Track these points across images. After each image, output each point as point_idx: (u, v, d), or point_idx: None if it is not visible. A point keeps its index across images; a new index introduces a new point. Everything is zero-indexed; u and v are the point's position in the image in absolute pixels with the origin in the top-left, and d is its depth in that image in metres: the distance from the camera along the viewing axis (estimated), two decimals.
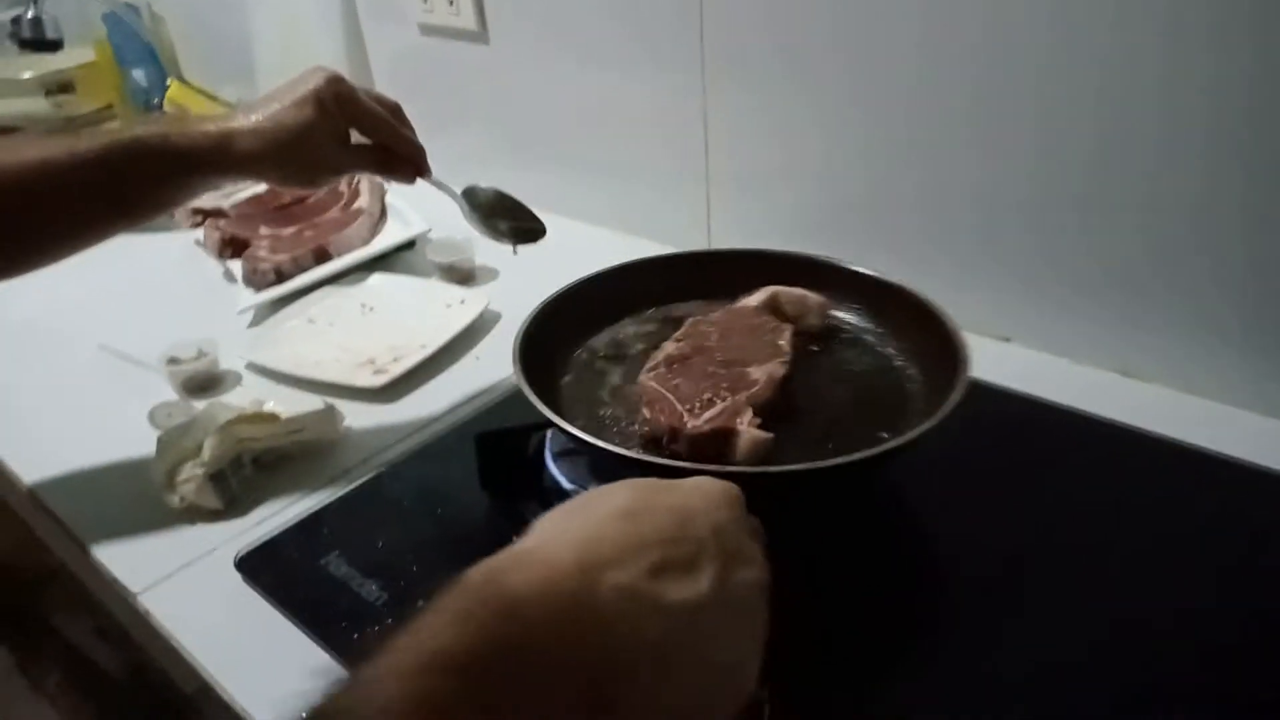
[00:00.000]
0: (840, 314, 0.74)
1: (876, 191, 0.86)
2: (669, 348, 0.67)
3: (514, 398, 0.79)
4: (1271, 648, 0.51)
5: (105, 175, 0.61)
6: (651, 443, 0.60)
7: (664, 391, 0.61)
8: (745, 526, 0.37)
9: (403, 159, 0.71)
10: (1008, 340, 0.83)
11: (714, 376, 0.62)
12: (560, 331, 0.71)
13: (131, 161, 0.62)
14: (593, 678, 0.29)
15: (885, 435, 0.58)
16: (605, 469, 0.62)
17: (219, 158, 0.63)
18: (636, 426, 0.63)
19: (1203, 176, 0.66)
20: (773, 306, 0.72)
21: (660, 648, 0.31)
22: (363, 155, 0.70)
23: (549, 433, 0.68)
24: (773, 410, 0.60)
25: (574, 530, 0.33)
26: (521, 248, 0.77)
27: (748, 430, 0.57)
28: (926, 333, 0.65)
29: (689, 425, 0.57)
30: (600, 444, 0.55)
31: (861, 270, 0.73)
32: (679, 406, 0.59)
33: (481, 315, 0.92)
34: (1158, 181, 0.68)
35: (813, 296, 0.71)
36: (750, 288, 0.73)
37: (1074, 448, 0.68)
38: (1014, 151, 0.75)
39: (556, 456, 0.67)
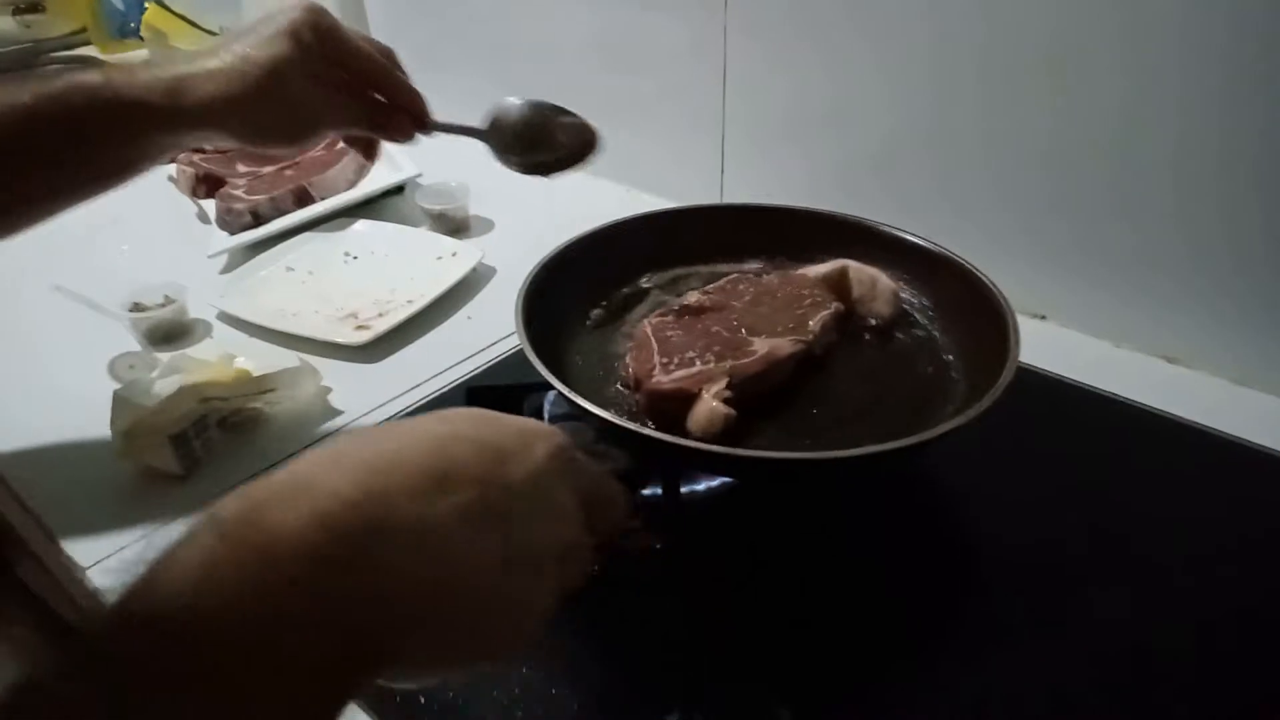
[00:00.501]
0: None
1: (897, 153, 0.82)
2: (692, 297, 0.66)
3: (509, 361, 0.76)
4: None
5: (30, 133, 0.51)
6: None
7: (652, 338, 0.60)
8: (570, 481, 0.33)
9: (399, 110, 0.62)
10: (1043, 318, 0.79)
11: (714, 337, 0.60)
12: (570, 288, 0.67)
13: (66, 115, 0.52)
14: (363, 632, 0.25)
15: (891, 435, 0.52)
16: (610, 439, 0.57)
17: (172, 108, 0.54)
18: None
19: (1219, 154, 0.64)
20: (835, 281, 0.67)
21: (445, 598, 0.27)
22: (350, 107, 0.61)
23: (549, 395, 0.64)
24: (768, 390, 0.58)
25: (366, 454, 0.28)
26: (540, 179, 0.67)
27: (707, 399, 0.54)
28: (976, 318, 0.61)
29: (653, 379, 0.56)
30: (595, 410, 0.51)
31: (915, 239, 0.68)
32: (656, 357, 0.58)
33: (475, 270, 0.88)
34: (1182, 144, 0.66)
35: (885, 281, 0.67)
36: (783, 251, 0.71)
37: (1113, 436, 0.66)
38: (1034, 112, 0.72)
39: (555, 420, 0.63)
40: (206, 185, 1.01)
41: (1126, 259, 0.73)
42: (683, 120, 0.97)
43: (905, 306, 0.68)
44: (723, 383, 0.55)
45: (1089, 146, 0.71)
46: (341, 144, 1.05)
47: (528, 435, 0.33)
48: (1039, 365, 0.71)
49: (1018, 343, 0.55)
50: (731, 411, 0.54)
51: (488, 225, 0.99)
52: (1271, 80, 0.61)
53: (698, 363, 0.57)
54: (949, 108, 0.77)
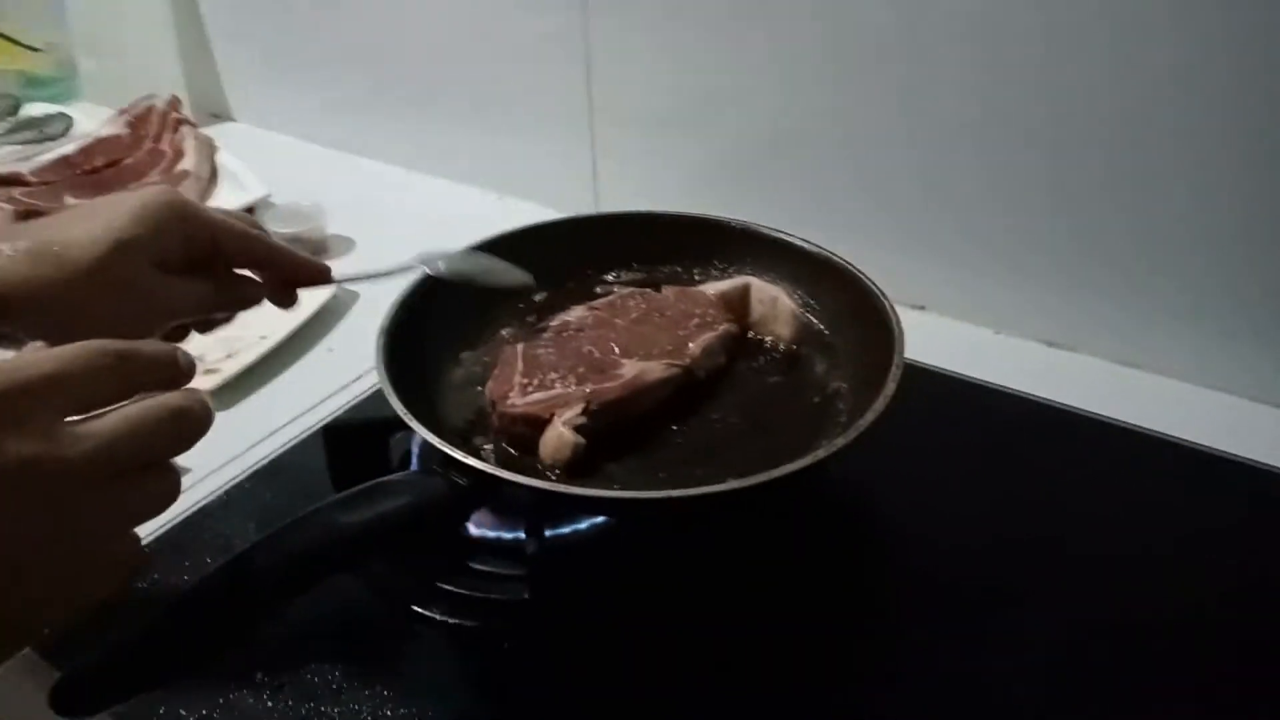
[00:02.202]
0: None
1: (784, 145, 0.80)
2: (577, 312, 0.63)
3: (378, 396, 0.71)
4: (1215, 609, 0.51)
5: None
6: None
7: (519, 357, 0.58)
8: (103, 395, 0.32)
9: (288, 285, 0.55)
10: (922, 309, 0.79)
11: (583, 358, 0.58)
12: (440, 314, 0.63)
13: None
14: None
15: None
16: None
17: None
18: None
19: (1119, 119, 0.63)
20: (734, 300, 0.64)
21: None
22: (212, 293, 0.51)
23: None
24: (637, 416, 0.56)
25: None
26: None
27: (556, 425, 0.52)
28: (864, 326, 0.59)
29: (507, 402, 0.55)
30: (459, 456, 0.47)
31: (795, 241, 0.66)
32: (516, 378, 0.57)
33: (335, 296, 0.83)
34: (1065, 127, 0.65)
35: (785, 301, 0.64)
36: (671, 259, 0.70)
37: (1007, 430, 0.65)
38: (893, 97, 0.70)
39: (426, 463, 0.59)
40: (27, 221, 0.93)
41: (1003, 243, 0.72)
42: (548, 116, 0.92)
43: (806, 324, 0.65)
44: (578, 408, 0.53)
45: (956, 129, 0.70)
46: (181, 167, 0.97)
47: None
48: (922, 359, 0.69)
49: (901, 353, 0.53)
50: (579, 440, 0.52)
51: (348, 245, 0.93)
52: (1149, 40, 0.60)
53: (557, 385, 0.55)
54: (845, 91, 0.74)
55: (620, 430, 0.55)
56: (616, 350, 0.58)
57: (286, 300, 0.56)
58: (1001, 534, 0.57)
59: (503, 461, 0.54)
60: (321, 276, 0.55)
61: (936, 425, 0.64)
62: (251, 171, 0.99)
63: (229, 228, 0.50)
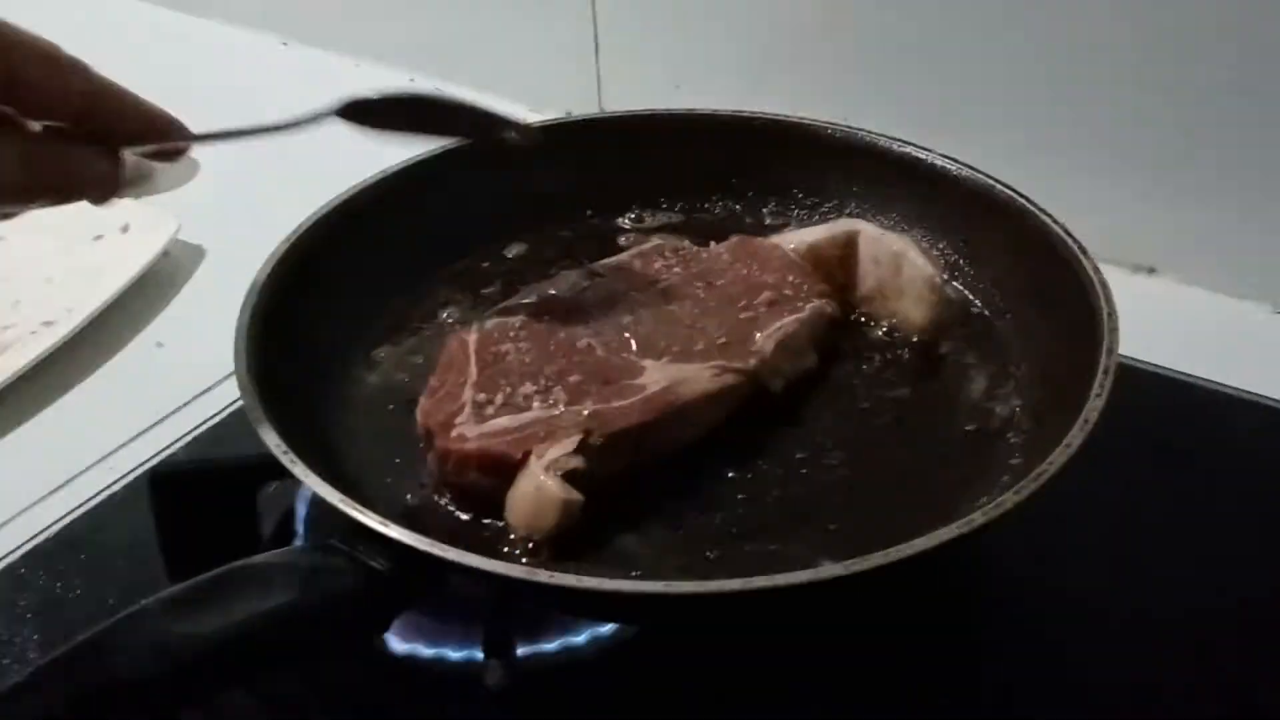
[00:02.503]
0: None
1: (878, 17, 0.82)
2: (569, 280, 0.65)
3: (234, 421, 0.73)
4: None
5: None
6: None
7: (472, 356, 0.59)
8: None
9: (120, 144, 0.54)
10: (1151, 272, 0.79)
11: (583, 360, 0.59)
12: (344, 282, 0.65)
13: None
14: None
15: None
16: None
17: None
18: None
19: None
20: (830, 259, 0.65)
21: None
22: (9, 147, 0.50)
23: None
24: (666, 454, 0.57)
25: None
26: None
27: (535, 471, 0.52)
28: (1048, 304, 0.60)
29: (454, 432, 0.55)
30: (374, 523, 0.47)
31: (934, 159, 0.67)
32: (468, 391, 0.56)
33: (168, 255, 0.84)
34: None
35: (917, 259, 0.63)
36: (684, 192, 0.71)
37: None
38: None
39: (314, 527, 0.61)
40: None
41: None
42: None
43: (952, 301, 0.66)
44: (570, 443, 0.53)
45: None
46: None
47: None
48: (1146, 355, 0.70)
49: (1113, 348, 0.53)
50: (573, 495, 0.52)
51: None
52: None
53: (536, 404, 0.55)
54: None
55: (640, 479, 0.55)
56: (634, 345, 0.59)
57: (109, 184, 0.54)
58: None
59: (448, 532, 0.53)
60: (172, 131, 0.54)
61: (1167, 464, 0.65)
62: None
63: (31, 45, 0.49)
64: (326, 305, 0.63)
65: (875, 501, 0.55)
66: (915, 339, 0.63)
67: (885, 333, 0.64)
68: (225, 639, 0.42)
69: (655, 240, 0.67)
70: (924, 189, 0.67)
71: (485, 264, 0.70)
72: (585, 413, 0.55)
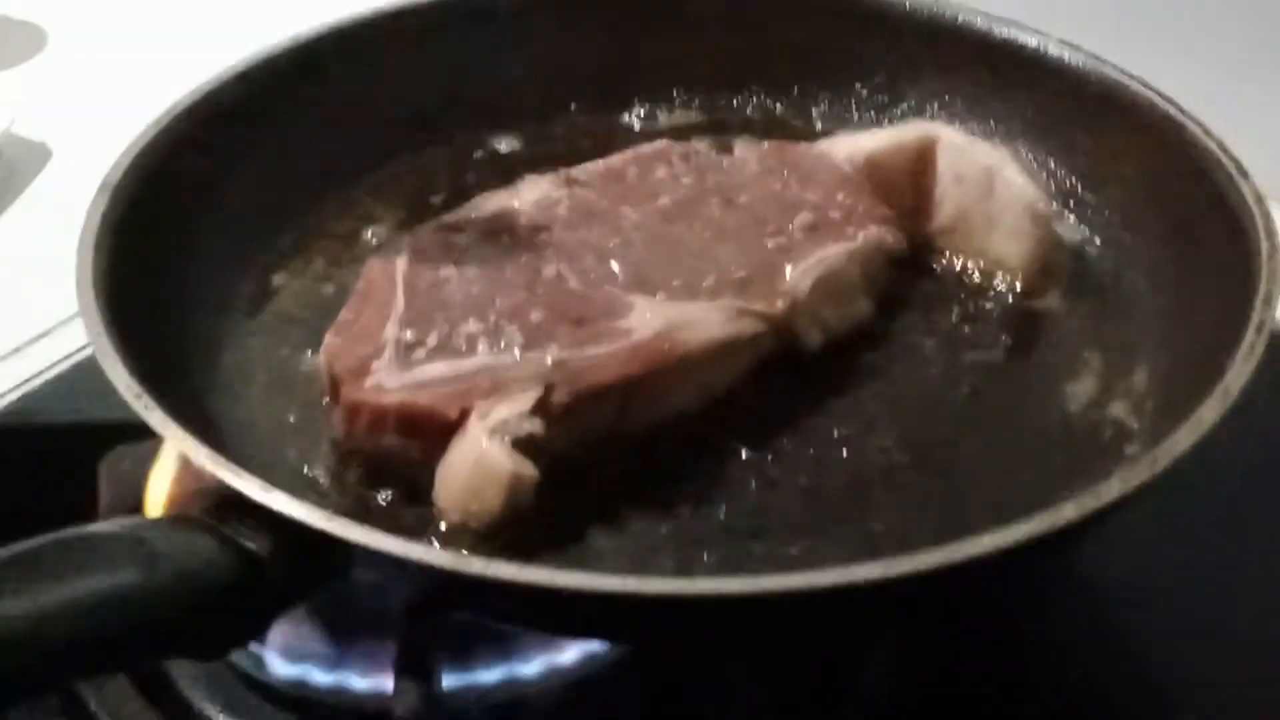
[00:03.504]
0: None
1: None
2: (539, 189, 0.67)
3: (79, 372, 0.82)
4: None
5: None
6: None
7: (398, 284, 0.60)
8: None
9: None
10: None
11: (549, 288, 0.60)
12: (225, 177, 0.67)
13: None
14: None
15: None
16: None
17: None
18: None
19: None
20: (896, 173, 0.67)
21: None
22: None
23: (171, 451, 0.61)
24: (658, 425, 0.58)
25: None
26: None
27: (477, 435, 0.53)
28: (1185, 235, 0.62)
29: (368, 381, 0.55)
30: (257, 493, 0.48)
31: (1043, 46, 0.70)
32: (389, 329, 0.57)
33: None
34: None
35: (1015, 179, 0.64)
36: (700, 81, 0.76)
37: None
38: None
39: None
40: None
41: None
42: None
43: (1061, 235, 0.66)
44: (525, 400, 0.53)
45: None
46: None
47: None
48: None
49: (1272, 299, 0.53)
50: (526, 470, 0.52)
51: (30, 43, 0.97)
52: None
53: (481, 347, 0.56)
54: None
55: (620, 454, 0.56)
56: (621, 276, 0.60)
57: None
58: None
59: (353, 513, 0.52)
60: None
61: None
62: None
63: None
64: (204, 216, 0.64)
65: (937, 499, 0.55)
66: (1007, 286, 0.64)
67: (967, 276, 0.65)
68: (42, 624, 0.41)
69: (658, 145, 0.67)
70: (1030, 86, 0.68)
71: (428, 170, 0.71)
72: (548, 361, 0.55)
